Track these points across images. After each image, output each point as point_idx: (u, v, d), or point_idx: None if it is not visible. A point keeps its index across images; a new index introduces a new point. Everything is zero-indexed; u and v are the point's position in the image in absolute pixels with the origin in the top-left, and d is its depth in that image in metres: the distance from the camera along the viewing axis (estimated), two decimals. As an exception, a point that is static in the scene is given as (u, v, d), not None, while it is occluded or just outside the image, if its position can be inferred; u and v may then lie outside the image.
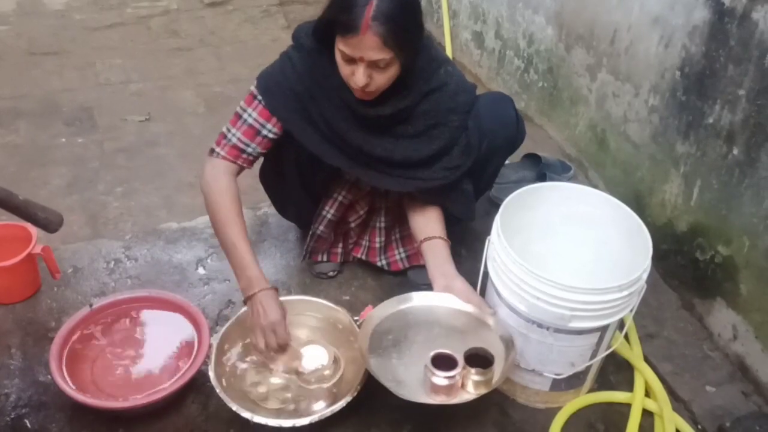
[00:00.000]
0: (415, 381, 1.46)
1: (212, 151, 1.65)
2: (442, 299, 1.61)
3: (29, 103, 2.80)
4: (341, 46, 1.43)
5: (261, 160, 1.81)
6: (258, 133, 1.62)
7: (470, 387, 1.44)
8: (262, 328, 1.53)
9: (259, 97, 1.60)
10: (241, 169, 1.65)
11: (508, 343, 1.51)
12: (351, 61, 1.44)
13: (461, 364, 1.43)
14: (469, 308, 1.59)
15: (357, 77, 1.44)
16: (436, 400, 1.43)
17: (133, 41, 3.36)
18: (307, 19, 1.59)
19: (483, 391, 1.44)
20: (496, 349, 1.50)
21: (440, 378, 1.40)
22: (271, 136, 1.63)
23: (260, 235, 2.11)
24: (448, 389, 1.42)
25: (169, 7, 3.67)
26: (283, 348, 1.56)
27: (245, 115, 1.62)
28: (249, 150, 1.62)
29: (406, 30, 1.44)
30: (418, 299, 1.62)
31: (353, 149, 1.62)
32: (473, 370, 1.43)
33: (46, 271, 1.85)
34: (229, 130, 1.63)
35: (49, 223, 1.57)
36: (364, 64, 1.43)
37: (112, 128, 2.68)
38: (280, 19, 3.62)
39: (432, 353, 1.43)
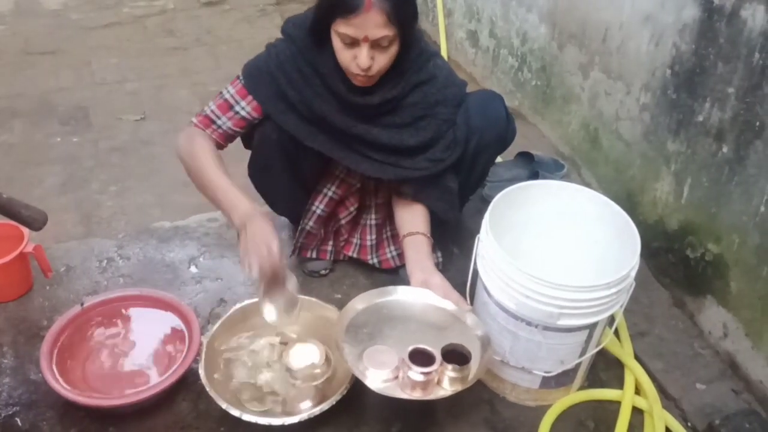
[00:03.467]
0: None
1: (189, 122, 1.69)
2: (419, 295, 1.61)
3: (25, 103, 2.81)
4: (343, 29, 1.43)
5: (247, 153, 1.82)
6: (231, 107, 1.65)
7: (446, 383, 1.44)
8: (256, 250, 1.42)
9: (240, 78, 1.65)
10: (214, 142, 1.66)
11: (484, 341, 1.52)
12: (353, 44, 1.45)
13: (438, 360, 1.43)
14: (446, 304, 1.59)
15: (361, 59, 1.45)
16: (412, 395, 1.42)
17: (129, 40, 3.36)
18: (303, 18, 1.60)
19: (458, 387, 1.44)
20: (473, 346, 1.50)
21: (417, 374, 1.40)
22: (243, 113, 1.65)
23: None
24: (425, 385, 1.42)
25: (165, 7, 3.68)
26: (276, 275, 1.47)
27: (224, 92, 1.67)
28: (219, 122, 1.65)
29: (407, 5, 1.46)
30: (395, 294, 1.62)
31: (335, 131, 1.64)
32: (450, 367, 1.43)
33: (39, 270, 1.85)
34: (207, 105, 1.68)
35: (33, 221, 1.56)
36: (367, 45, 1.43)
37: (107, 127, 2.69)
38: (277, 18, 3.62)
39: (410, 348, 1.43)
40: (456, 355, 1.46)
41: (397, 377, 1.45)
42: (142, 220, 2.18)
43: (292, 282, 1.57)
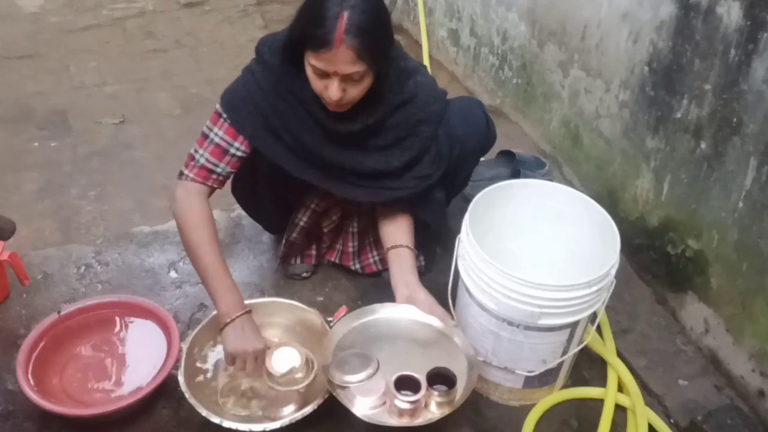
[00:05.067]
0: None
1: (181, 174, 1.60)
2: (404, 311, 1.60)
3: (2, 108, 2.76)
4: (313, 61, 1.40)
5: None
6: (226, 152, 1.58)
7: (433, 407, 1.44)
8: (244, 354, 1.50)
9: (224, 115, 1.57)
10: (212, 189, 1.61)
11: (471, 361, 1.51)
12: (324, 75, 1.42)
13: (424, 386, 1.42)
14: (431, 320, 1.58)
15: (331, 91, 1.42)
16: (400, 422, 1.42)
17: (108, 43, 3.33)
18: (284, 19, 1.56)
19: (446, 410, 1.44)
20: (459, 364, 1.49)
21: (403, 402, 1.40)
22: (239, 154, 1.59)
23: (234, 237, 2.10)
24: (412, 412, 1.42)
25: (145, 9, 3.64)
26: (254, 373, 1.53)
27: (212, 135, 1.58)
28: (218, 170, 1.59)
29: (379, 41, 1.42)
30: (380, 312, 1.61)
31: (323, 162, 1.61)
32: (436, 392, 1.43)
33: (16, 278, 1.83)
34: (196, 151, 1.59)
35: (2, 231, 1.54)
36: (338, 78, 1.40)
37: (86, 131, 2.65)
38: (258, 19, 3.60)
39: (395, 376, 1.43)
40: (442, 378, 1.46)
41: (384, 403, 1.44)
42: (122, 226, 2.15)
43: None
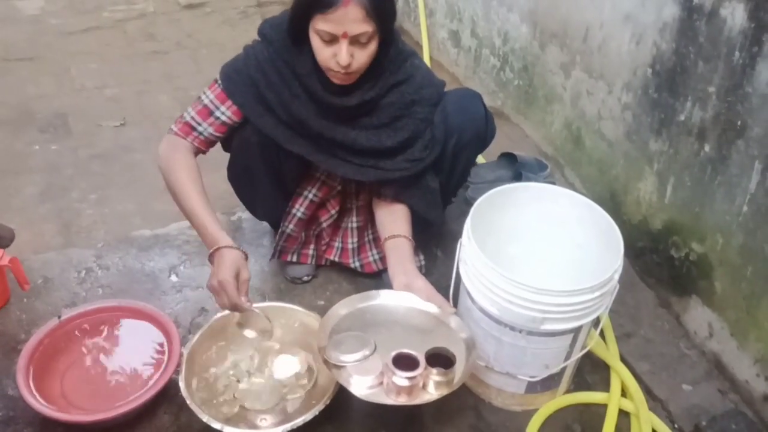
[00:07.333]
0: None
1: (170, 129, 1.68)
2: (402, 298, 1.59)
3: (3, 111, 2.76)
4: (321, 25, 1.42)
5: (227, 159, 1.81)
6: (211, 113, 1.64)
7: (431, 387, 1.43)
8: (212, 287, 1.50)
9: (219, 82, 1.64)
10: (196, 150, 1.67)
11: (469, 344, 1.50)
12: (331, 41, 1.44)
13: (422, 364, 1.41)
14: (429, 307, 1.57)
15: (340, 56, 1.44)
16: (397, 401, 1.40)
17: (109, 45, 3.32)
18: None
19: (445, 391, 1.42)
20: (458, 349, 1.48)
21: (401, 378, 1.38)
22: (223, 118, 1.64)
23: (234, 240, 2.05)
24: (410, 390, 1.40)
25: (145, 10, 3.64)
26: (235, 308, 1.51)
27: (203, 97, 1.66)
28: (200, 129, 1.64)
29: (386, 1, 1.46)
30: (378, 298, 1.61)
31: (314, 135, 1.63)
32: (434, 371, 1.41)
33: (16, 282, 1.82)
34: (187, 111, 1.67)
35: (1, 239, 1.54)
36: (346, 41, 1.43)
37: (87, 134, 2.65)
38: (258, 21, 3.49)
39: (393, 353, 1.41)
40: (441, 359, 1.44)
41: (381, 383, 1.43)
42: (122, 229, 2.15)
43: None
